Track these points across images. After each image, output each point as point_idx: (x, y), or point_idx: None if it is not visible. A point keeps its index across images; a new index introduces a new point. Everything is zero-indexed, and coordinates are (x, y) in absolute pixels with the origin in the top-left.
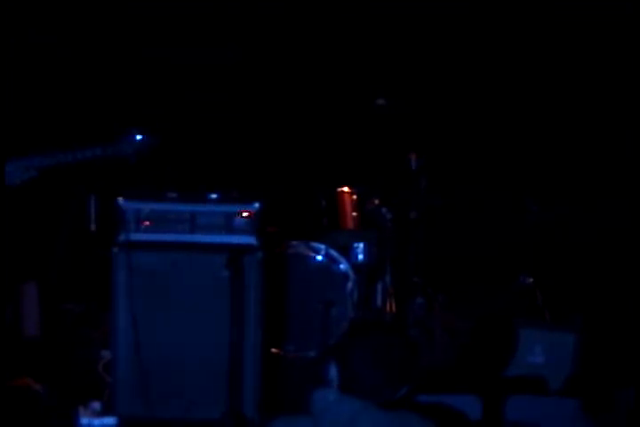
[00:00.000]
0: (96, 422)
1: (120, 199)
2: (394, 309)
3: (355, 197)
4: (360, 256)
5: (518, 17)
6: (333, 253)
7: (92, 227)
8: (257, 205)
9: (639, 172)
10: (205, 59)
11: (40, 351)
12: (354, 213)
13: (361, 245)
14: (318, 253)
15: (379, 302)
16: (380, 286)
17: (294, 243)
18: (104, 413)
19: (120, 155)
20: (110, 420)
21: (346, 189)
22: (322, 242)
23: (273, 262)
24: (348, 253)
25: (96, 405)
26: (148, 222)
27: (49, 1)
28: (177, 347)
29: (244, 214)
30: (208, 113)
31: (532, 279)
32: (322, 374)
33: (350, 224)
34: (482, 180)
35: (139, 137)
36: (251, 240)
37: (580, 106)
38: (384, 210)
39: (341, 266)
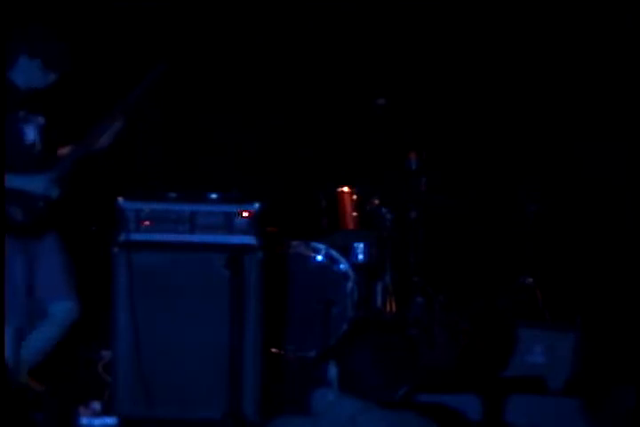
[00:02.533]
0: (96, 422)
1: (120, 199)
2: (394, 308)
3: (355, 197)
4: (360, 256)
5: (517, 16)
6: (333, 253)
7: (92, 227)
8: (257, 205)
9: (639, 172)
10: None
11: None
12: (354, 213)
13: (361, 245)
14: (318, 253)
15: (379, 301)
16: (379, 286)
17: (294, 243)
18: (104, 413)
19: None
20: (110, 420)
21: (346, 189)
22: (322, 242)
23: (273, 262)
24: (347, 253)
25: (96, 405)
26: (148, 222)
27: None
28: (177, 347)
29: (244, 214)
30: (208, 113)
31: (531, 279)
32: (322, 374)
33: (350, 224)
34: (482, 179)
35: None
36: (251, 240)
37: (579, 106)
38: (384, 210)
39: (341, 266)
